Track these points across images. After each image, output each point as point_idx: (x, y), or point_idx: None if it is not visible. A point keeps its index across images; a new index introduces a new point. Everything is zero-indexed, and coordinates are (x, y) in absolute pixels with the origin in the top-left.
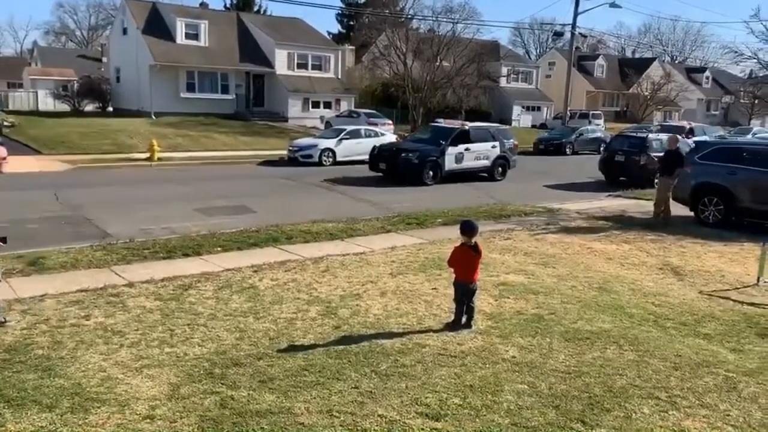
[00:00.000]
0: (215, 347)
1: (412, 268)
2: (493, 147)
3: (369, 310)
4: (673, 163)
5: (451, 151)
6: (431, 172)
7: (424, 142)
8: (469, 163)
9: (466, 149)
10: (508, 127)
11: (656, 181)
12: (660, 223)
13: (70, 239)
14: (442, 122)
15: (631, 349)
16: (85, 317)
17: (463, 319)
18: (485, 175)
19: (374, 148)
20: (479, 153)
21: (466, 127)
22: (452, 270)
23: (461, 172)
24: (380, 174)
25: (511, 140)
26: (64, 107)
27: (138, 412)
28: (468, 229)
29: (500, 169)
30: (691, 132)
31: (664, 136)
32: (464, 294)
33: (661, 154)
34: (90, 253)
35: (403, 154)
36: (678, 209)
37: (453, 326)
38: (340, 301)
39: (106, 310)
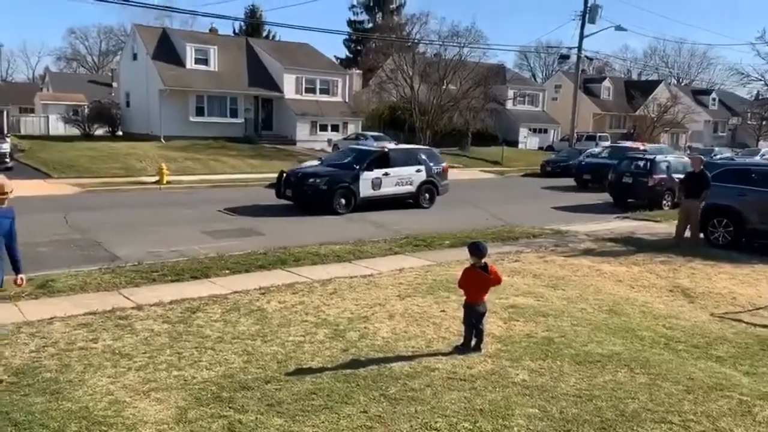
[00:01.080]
0: (223, 370)
1: (420, 290)
2: (418, 171)
3: (377, 333)
4: (699, 184)
5: (367, 176)
6: (343, 200)
7: (339, 166)
8: (389, 189)
9: (385, 174)
10: (435, 149)
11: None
12: (685, 246)
13: (79, 262)
14: (362, 144)
15: (643, 372)
16: (93, 340)
17: (473, 342)
18: (411, 201)
19: (281, 172)
20: (401, 178)
21: (386, 150)
22: (462, 292)
23: (380, 200)
24: (290, 202)
25: (442, 164)
26: (75, 131)
27: None
28: (476, 250)
29: (427, 195)
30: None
31: (671, 158)
32: (474, 316)
33: (674, 175)
34: (99, 276)
35: (310, 180)
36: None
37: (463, 349)
38: (348, 323)
39: (115, 333)
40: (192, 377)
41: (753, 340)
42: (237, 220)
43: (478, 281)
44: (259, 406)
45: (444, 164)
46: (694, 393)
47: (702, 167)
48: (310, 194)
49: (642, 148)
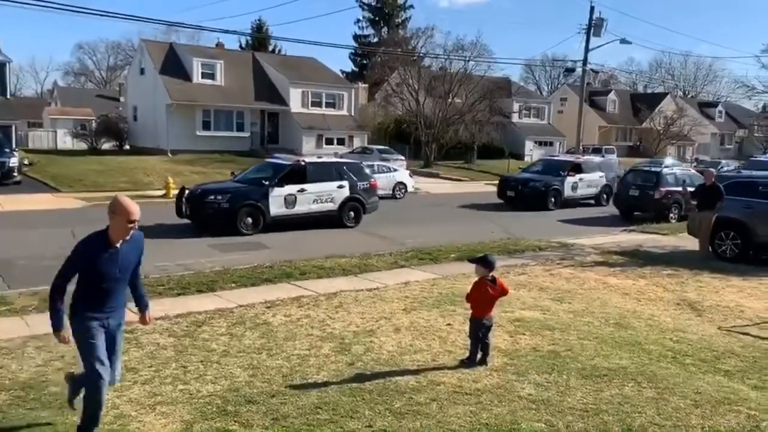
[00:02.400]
0: (228, 384)
1: (426, 304)
2: (341, 187)
3: (383, 347)
4: (713, 197)
5: (278, 193)
6: (250, 219)
7: (248, 182)
8: (304, 207)
9: (301, 190)
10: (360, 162)
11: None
12: (712, 257)
13: None
14: (279, 158)
15: (650, 386)
16: None
17: (478, 356)
18: (335, 220)
19: (182, 189)
20: (320, 195)
21: (302, 163)
22: (468, 306)
23: (294, 219)
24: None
25: (369, 180)
26: (82, 146)
27: None
28: (486, 263)
29: (351, 213)
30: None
31: (678, 170)
32: (480, 330)
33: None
34: None
35: (210, 197)
36: (694, 243)
37: (468, 363)
38: (354, 337)
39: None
40: (197, 391)
41: (761, 354)
42: (244, 234)
43: (486, 295)
44: (264, 420)
45: (372, 180)
46: (701, 407)
47: (714, 180)
48: (210, 213)
49: (578, 159)
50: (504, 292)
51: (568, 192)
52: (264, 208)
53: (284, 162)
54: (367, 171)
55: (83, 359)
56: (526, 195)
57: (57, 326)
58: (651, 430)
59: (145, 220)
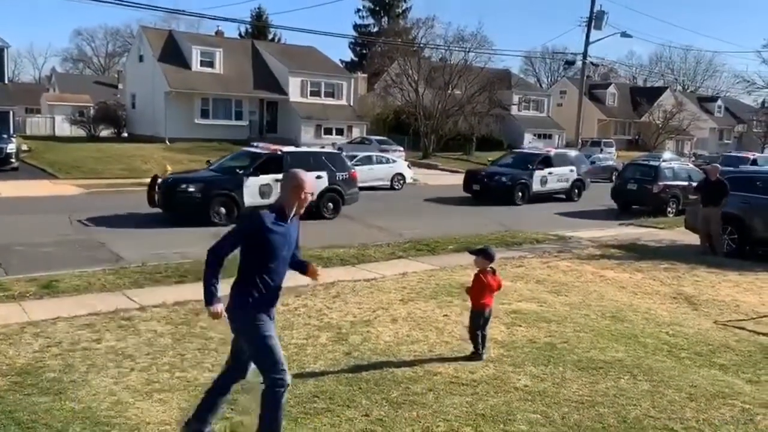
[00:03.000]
0: None
1: (424, 294)
2: (319, 178)
3: (380, 337)
4: (719, 192)
5: (253, 183)
6: (223, 209)
7: (222, 171)
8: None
9: (277, 180)
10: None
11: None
12: (709, 252)
13: (83, 263)
14: (256, 146)
15: (646, 379)
16: (96, 341)
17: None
18: (313, 211)
19: (154, 177)
20: None
21: (279, 152)
22: (469, 298)
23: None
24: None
25: (349, 170)
26: (80, 132)
27: None
28: (487, 255)
29: (330, 205)
30: (754, 162)
31: (676, 164)
32: (484, 321)
33: (677, 183)
34: (103, 277)
35: (182, 186)
36: (691, 238)
37: (474, 356)
38: (351, 327)
39: (118, 334)
40: (195, 378)
41: (756, 348)
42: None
43: (487, 287)
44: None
45: (352, 170)
46: (696, 400)
47: (718, 176)
48: (182, 203)
49: (549, 153)
50: (499, 286)
51: (536, 186)
52: (238, 197)
53: (261, 151)
54: (347, 161)
55: (259, 362)
56: (492, 189)
57: (211, 300)
58: (646, 423)
59: (142, 208)
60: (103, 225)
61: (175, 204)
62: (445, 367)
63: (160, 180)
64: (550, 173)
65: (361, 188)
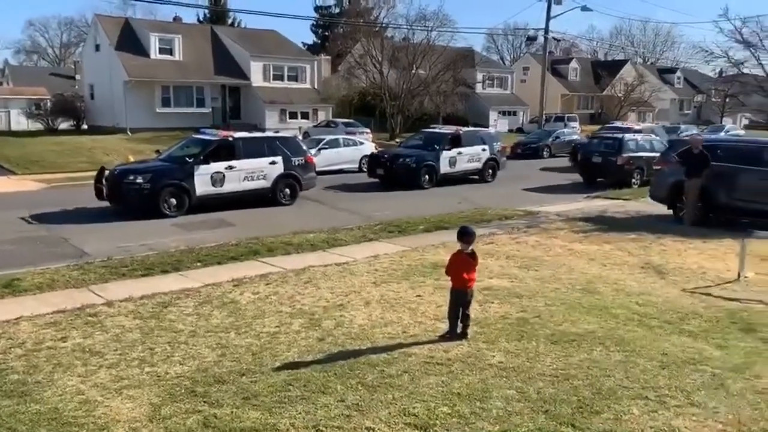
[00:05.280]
0: (197, 365)
1: (396, 276)
2: (273, 163)
3: (353, 321)
4: (700, 163)
5: (205, 171)
6: (173, 200)
7: (171, 160)
8: (234, 185)
9: (230, 167)
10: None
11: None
12: (690, 224)
13: (45, 260)
14: (207, 133)
15: (618, 350)
16: (62, 339)
17: (459, 329)
18: (269, 198)
19: (101, 169)
20: (251, 172)
21: (230, 139)
22: (441, 276)
23: (224, 198)
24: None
25: (305, 154)
26: (38, 126)
27: None
28: (466, 235)
29: (287, 190)
30: (638, 132)
31: (639, 137)
32: (462, 302)
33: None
34: (67, 273)
35: (130, 177)
36: (657, 208)
37: (450, 337)
38: (324, 312)
39: (84, 331)
40: (165, 373)
41: (723, 314)
42: (209, 212)
43: (465, 267)
44: (234, 400)
45: (308, 155)
46: (668, 368)
47: (701, 147)
48: (130, 195)
49: (458, 132)
50: (475, 260)
51: (445, 168)
52: (189, 187)
53: (211, 138)
54: (303, 145)
55: None
56: (396, 172)
57: None
58: (620, 393)
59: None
60: (65, 220)
61: (123, 196)
62: (420, 347)
63: (107, 172)
64: (459, 153)
65: (330, 172)
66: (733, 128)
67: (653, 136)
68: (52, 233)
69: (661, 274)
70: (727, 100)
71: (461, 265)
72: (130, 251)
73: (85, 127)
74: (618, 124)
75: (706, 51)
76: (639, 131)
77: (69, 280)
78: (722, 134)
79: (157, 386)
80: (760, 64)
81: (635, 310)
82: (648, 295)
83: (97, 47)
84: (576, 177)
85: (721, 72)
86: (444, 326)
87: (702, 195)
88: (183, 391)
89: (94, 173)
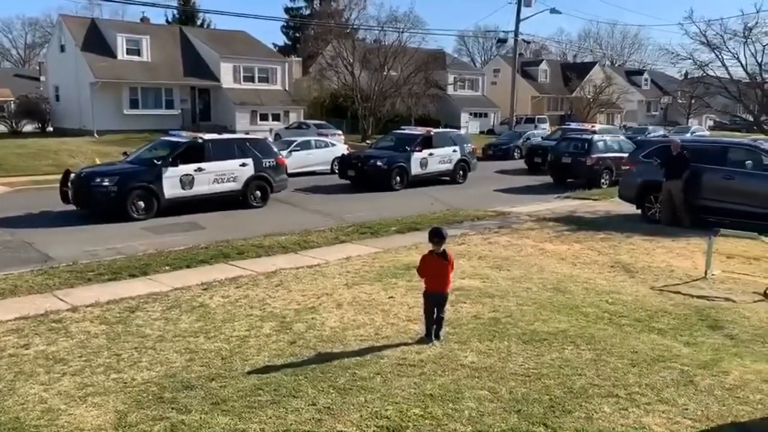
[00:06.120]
0: (164, 370)
1: (368, 278)
2: (243, 165)
3: (325, 323)
4: (679, 166)
5: (173, 173)
6: (142, 203)
7: (139, 162)
8: (204, 187)
9: (198, 169)
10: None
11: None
12: (686, 225)
13: (8, 265)
14: (175, 135)
15: (589, 348)
16: (24, 346)
17: (433, 330)
18: (240, 200)
19: (66, 171)
20: (221, 174)
21: (200, 140)
22: (416, 278)
23: (193, 200)
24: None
25: (275, 156)
26: (1, 129)
27: None
28: (436, 236)
29: (258, 192)
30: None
31: (608, 137)
32: (435, 304)
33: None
34: (30, 279)
35: (96, 180)
36: (625, 208)
37: (426, 339)
38: (295, 315)
39: (48, 338)
40: (132, 379)
41: (691, 311)
42: (178, 215)
43: (437, 269)
44: (203, 405)
45: (279, 156)
46: (638, 366)
47: (680, 149)
48: (96, 198)
49: (429, 133)
50: (452, 267)
51: (416, 169)
52: (157, 190)
53: (180, 139)
54: (274, 147)
55: None
56: (367, 174)
57: None
58: (591, 391)
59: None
60: (30, 224)
61: (89, 200)
62: (392, 349)
63: (72, 175)
64: (430, 155)
65: (302, 173)
66: (699, 129)
67: (621, 137)
68: (15, 237)
69: (630, 273)
70: (693, 101)
71: (432, 267)
72: (97, 255)
73: (50, 129)
74: (574, 125)
75: (672, 53)
76: (594, 132)
77: (33, 286)
78: (688, 135)
79: (123, 393)
80: (724, 65)
81: (605, 308)
82: (618, 293)
83: (63, 48)
84: (546, 178)
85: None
86: (416, 327)
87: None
88: (150, 397)
89: (60, 176)
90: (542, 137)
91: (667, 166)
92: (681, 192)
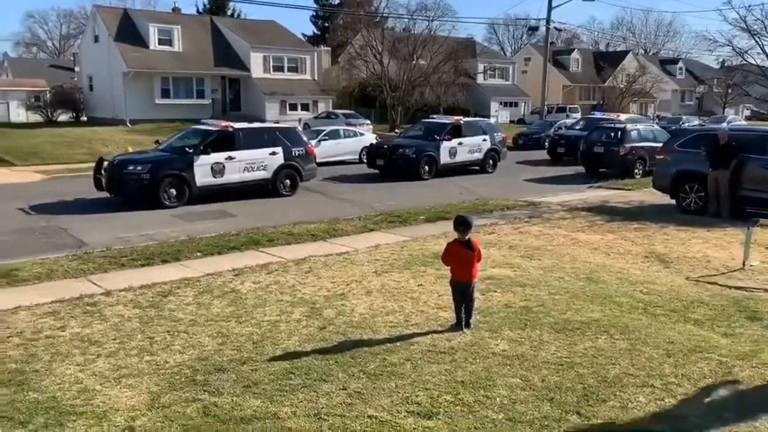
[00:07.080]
0: (197, 354)
1: (397, 266)
2: (273, 154)
3: (354, 310)
4: (727, 155)
5: (204, 161)
6: (173, 191)
7: (171, 150)
8: (235, 175)
9: (229, 158)
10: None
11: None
12: (725, 215)
13: (44, 250)
14: (207, 123)
15: (623, 338)
16: (60, 328)
17: (463, 318)
18: (269, 189)
19: (100, 159)
20: (251, 162)
21: (230, 129)
22: (443, 266)
23: (224, 188)
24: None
25: (305, 145)
26: (37, 118)
27: (117, 424)
28: (461, 224)
29: (288, 181)
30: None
31: (642, 126)
32: (461, 293)
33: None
34: (65, 263)
35: (129, 168)
36: (659, 198)
37: (456, 327)
38: (325, 301)
39: (83, 320)
40: (164, 362)
41: (728, 302)
42: (209, 203)
43: (461, 257)
44: (234, 388)
45: (308, 145)
46: (674, 356)
47: (727, 139)
48: (129, 185)
49: (459, 122)
50: (479, 257)
51: (445, 159)
52: (189, 177)
53: (211, 128)
54: (303, 136)
55: None
56: (396, 163)
57: None
58: (626, 381)
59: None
60: (64, 211)
61: (122, 187)
62: (422, 336)
63: (106, 162)
64: (460, 144)
65: (330, 163)
66: (735, 119)
67: (654, 126)
68: (51, 224)
69: (665, 263)
70: (729, 90)
71: (457, 256)
72: (130, 241)
73: (84, 118)
74: (598, 115)
75: (710, 39)
76: (620, 122)
77: (68, 270)
78: (724, 125)
79: (156, 375)
80: (765, 52)
81: (640, 298)
82: (652, 283)
83: (96, 39)
84: (578, 168)
85: (723, 62)
86: (446, 315)
87: (705, 184)
88: (183, 379)
89: (93, 164)
90: (565, 127)
91: (714, 156)
92: (727, 182)
